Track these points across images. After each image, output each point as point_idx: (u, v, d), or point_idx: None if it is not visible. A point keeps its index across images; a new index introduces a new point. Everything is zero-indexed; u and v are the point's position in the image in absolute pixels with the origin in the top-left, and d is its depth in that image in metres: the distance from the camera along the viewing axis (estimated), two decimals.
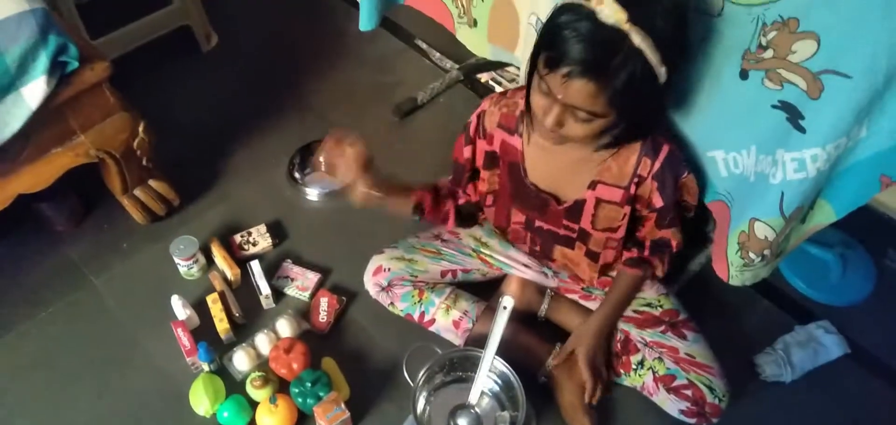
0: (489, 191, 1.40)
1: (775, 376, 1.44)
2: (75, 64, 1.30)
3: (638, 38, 0.96)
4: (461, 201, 1.45)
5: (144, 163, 1.54)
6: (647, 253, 1.34)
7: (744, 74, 1.13)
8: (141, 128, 1.48)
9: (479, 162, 1.37)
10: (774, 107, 1.10)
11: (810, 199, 1.18)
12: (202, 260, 1.55)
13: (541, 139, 1.22)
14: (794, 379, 1.44)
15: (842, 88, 0.98)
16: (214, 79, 2.10)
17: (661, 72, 1.00)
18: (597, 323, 1.35)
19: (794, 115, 1.08)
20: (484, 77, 2.15)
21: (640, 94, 1.03)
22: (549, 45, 1.03)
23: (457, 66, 2.15)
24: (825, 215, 1.21)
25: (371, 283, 1.48)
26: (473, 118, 1.34)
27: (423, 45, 2.25)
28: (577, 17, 0.98)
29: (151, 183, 1.59)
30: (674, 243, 1.31)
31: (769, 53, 1.05)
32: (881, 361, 1.48)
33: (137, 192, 1.58)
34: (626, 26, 0.95)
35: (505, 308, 1.29)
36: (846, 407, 1.42)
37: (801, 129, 1.06)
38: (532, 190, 1.31)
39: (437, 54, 2.22)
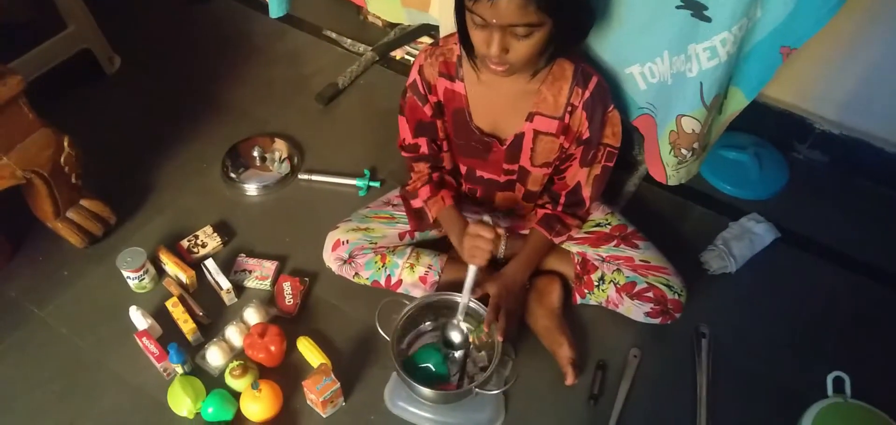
0: (444, 137, 1.54)
1: (721, 269, 1.67)
2: None
3: None
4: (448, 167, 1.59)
5: (74, 180, 1.56)
6: (560, 208, 1.50)
7: None
8: (66, 143, 1.51)
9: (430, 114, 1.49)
10: (678, 7, 1.31)
11: (724, 87, 1.41)
12: (152, 270, 1.59)
13: (487, 77, 1.37)
14: (738, 269, 1.68)
15: None
16: (125, 98, 2.13)
17: None
18: (510, 274, 1.50)
19: (697, 10, 1.29)
20: (398, 53, 2.31)
21: None
22: None
23: (370, 48, 2.29)
24: (737, 102, 1.45)
25: (332, 259, 1.58)
26: (414, 76, 1.46)
27: (333, 35, 2.38)
28: None
29: (84, 203, 1.62)
30: (586, 194, 1.48)
31: None
32: (807, 238, 1.76)
33: (71, 215, 1.60)
34: None
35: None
36: (787, 283, 1.67)
37: (707, 19, 1.28)
38: (476, 134, 1.47)
39: (349, 40, 2.35)
